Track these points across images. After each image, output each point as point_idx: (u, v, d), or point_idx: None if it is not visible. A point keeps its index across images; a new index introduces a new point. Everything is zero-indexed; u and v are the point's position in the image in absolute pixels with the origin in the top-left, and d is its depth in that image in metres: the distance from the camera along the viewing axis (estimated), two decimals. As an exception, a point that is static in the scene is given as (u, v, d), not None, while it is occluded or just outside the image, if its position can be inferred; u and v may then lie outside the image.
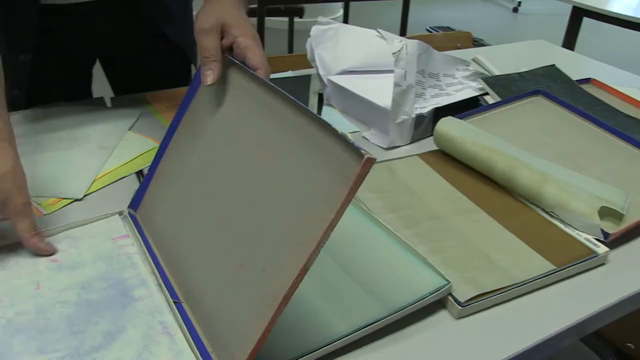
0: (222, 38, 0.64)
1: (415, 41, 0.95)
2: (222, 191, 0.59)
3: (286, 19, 2.91)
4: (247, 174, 0.56)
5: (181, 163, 0.66)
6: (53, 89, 1.00)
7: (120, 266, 0.62)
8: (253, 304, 0.48)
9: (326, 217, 0.43)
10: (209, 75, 0.62)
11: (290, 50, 2.96)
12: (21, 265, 0.61)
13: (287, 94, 0.53)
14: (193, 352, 0.51)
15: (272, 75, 0.63)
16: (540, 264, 0.64)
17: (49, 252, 0.63)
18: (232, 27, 0.64)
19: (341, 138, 0.45)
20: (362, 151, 0.42)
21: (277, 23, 3.53)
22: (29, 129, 0.88)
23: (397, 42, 0.93)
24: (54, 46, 0.96)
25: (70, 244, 0.65)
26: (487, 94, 1.01)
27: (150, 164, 0.70)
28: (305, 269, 0.44)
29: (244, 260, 0.51)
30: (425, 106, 0.94)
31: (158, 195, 0.68)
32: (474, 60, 1.23)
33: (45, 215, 0.69)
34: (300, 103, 0.51)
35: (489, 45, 2.47)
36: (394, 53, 0.90)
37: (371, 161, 0.42)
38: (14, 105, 0.95)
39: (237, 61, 0.63)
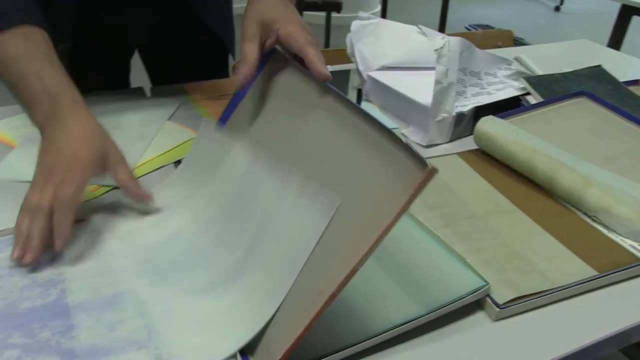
0: (267, 38, 0.65)
1: (458, 38, 0.94)
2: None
3: (323, 13, 2.90)
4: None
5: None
6: (91, 80, 1.01)
7: None
8: (294, 300, 0.48)
9: (382, 221, 0.43)
10: (238, 80, 0.64)
11: (327, 45, 2.95)
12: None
13: (343, 94, 0.53)
14: None
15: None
16: (581, 269, 0.62)
17: (147, 199, 0.66)
18: (272, 23, 0.65)
19: (405, 146, 0.45)
20: (427, 161, 0.42)
21: (314, 18, 3.52)
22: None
23: (439, 38, 0.91)
24: (92, 37, 0.97)
25: None
26: (528, 93, 0.99)
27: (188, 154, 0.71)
28: (354, 270, 0.44)
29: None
30: (466, 104, 0.93)
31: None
32: (516, 59, 1.21)
33: (85, 201, 0.70)
34: (359, 106, 0.51)
35: (530, 44, 2.42)
36: (436, 50, 0.89)
37: (434, 171, 0.42)
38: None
39: (292, 59, 0.64)
